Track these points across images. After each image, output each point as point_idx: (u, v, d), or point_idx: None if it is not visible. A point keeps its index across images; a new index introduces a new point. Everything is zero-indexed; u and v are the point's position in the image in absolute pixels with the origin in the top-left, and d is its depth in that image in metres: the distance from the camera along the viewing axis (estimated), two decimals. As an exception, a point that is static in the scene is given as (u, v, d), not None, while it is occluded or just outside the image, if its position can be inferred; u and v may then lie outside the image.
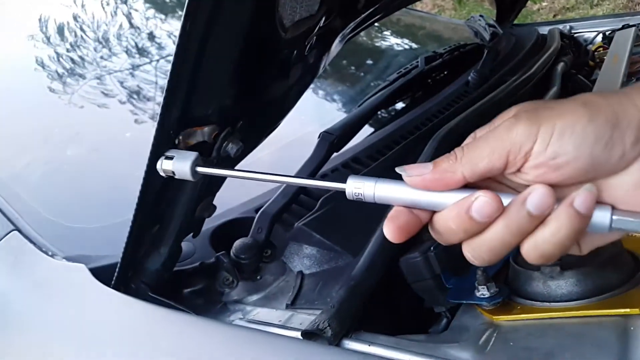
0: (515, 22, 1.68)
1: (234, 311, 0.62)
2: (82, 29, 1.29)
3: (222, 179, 0.59)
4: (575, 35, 1.59)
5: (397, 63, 1.21)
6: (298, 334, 0.52)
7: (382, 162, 0.84)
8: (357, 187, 0.40)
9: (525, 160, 0.36)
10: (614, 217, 0.35)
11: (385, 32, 1.46)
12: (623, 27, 1.45)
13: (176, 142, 0.51)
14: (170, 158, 0.46)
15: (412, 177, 0.38)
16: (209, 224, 0.72)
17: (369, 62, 1.31)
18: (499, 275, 0.60)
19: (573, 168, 0.35)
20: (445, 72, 1.16)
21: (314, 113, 1.03)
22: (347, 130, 0.80)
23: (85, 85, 1.08)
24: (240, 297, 0.66)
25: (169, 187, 0.54)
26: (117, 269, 0.58)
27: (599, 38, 1.56)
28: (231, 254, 0.67)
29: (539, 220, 0.35)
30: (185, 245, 0.69)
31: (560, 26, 1.59)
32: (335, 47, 0.73)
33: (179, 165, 0.46)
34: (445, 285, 0.62)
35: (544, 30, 1.50)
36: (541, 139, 0.35)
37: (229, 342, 0.52)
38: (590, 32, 1.61)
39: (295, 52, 0.59)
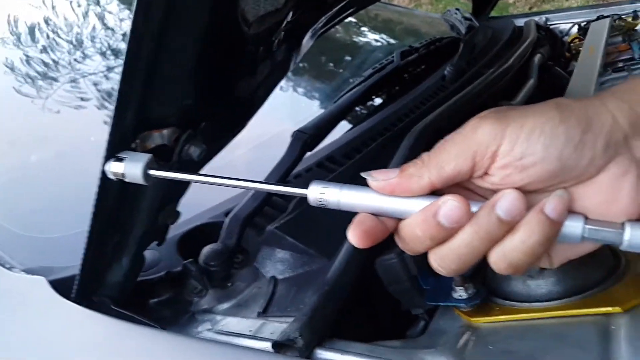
0: (492, 14, 1.67)
1: (203, 321, 0.59)
2: (53, 31, 1.24)
3: (185, 183, 0.56)
4: (551, 26, 1.59)
5: (374, 58, 1.19)
6: (269, 345, 0.49)
7: (358, 161, 0.81)
8: (321, 193, 0.38)
9: (492, 160, 0.34)
10: (587, 227, 0.33)
11: (361, 27, 1.44)
12: (598, 18, 1.45)
13: (133, 145, 0.48)
14: (121, 160, 0.43)
15: (377, 181, 0.36)
16: (176, 230, 0.69)
17: (345, 57, 1.29)
18: (476, 275, 0.58)
19: (541, 170, 0.33)
20: (422, 67, 1.14)
21: (288, 111, 1.00)
22: (321, 129, 0.77)
23: (50, 89, 1.04)
24: (210, 306, 0.63)
25: (127, 192, 0.50)
26: (76, 282, 0.55)
27: (575, 29, 1.56)
28: (200, 261, 0.64)
29: (509, 227, 0.33)
30: (150, 253, 0.65)
31: (536, 18, 1.58)
32: (307, 42, 0.70)
33: (130, 167, 0.42)
34: (423, 287, 0.60)
35: (520, 22, 1.49)
36: (509, 138, 0.33)
37: (196, 357, 0.50)
38: (565, 24, 1.61)
39: (261, 48, 0.56)
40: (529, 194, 0.34)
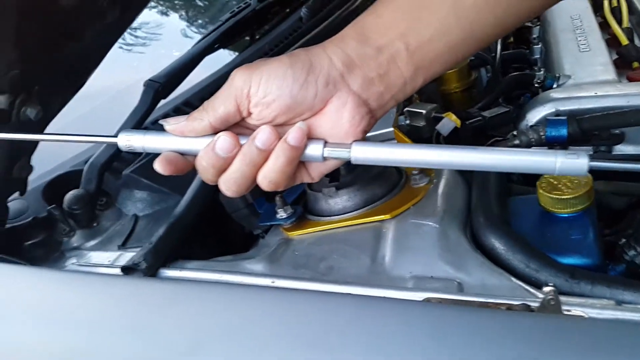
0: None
1: (70, 257, 0.69)
2: None
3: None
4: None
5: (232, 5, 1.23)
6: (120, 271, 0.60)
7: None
8: (128, 140, 0.46)
9: (248, 101, 0.43)
10: (325, 149, 0.44)
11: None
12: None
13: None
14: None
15: (170, 125, 0.45)
16: (41, 180, 0.76)
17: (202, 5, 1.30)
18: (298, 200, 0.71)
19: (280, 105, 0.43)
20: (287, 10, 1.21)
21: (149, 62, 1.04)
22: (173, 76, 0.84)
23: None
24: (79, 244, 0.72)
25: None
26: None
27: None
28: (64, 206, 0.72)
29: (266, 154, 0.44)
30: (18, 203, 0.73)
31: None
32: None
33: None
34: (258, 211, 0.72)
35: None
36: (254, 82, 0.42)
37: (58, 285, 0.59)
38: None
39: (85, 16, 0.61)
40: (280, 126, 0.44)
